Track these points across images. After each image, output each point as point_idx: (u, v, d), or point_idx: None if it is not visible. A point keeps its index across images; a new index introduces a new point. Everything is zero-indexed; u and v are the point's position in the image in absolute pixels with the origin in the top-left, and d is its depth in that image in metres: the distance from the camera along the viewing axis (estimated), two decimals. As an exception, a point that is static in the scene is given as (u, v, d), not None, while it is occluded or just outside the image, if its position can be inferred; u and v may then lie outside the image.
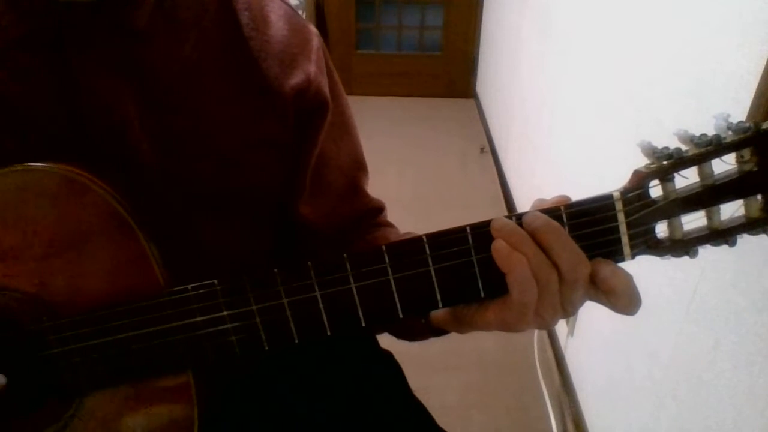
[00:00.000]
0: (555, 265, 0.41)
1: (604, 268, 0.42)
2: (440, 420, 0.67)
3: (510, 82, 2.68)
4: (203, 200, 0.55)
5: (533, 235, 0.41)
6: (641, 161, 0.43)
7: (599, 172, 1.40)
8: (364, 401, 0.66)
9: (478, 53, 3.75)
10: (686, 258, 0.43)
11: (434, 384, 1.60)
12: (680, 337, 0.96)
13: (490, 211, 2.52)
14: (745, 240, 0.42)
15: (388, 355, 0.73)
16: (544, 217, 0.41)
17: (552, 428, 1.50)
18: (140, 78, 0.51)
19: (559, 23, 1.89)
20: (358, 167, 0.69)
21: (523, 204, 2.30)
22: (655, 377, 1.05)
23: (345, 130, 0.66)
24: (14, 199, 0.45)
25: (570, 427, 1.49)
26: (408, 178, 2.82)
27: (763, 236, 0.42)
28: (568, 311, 0.43)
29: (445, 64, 3.84)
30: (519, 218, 0.42)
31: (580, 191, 0.45)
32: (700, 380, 0.90)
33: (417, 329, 0.55)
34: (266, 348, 0.45)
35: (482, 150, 3.11)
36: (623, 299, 0.41)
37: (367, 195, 0.70)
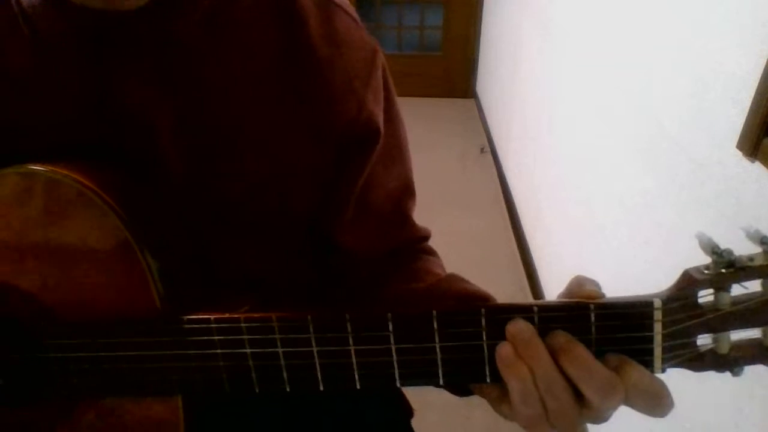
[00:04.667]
0: (581, 394, 0.38)
1: (632, 373, 0.37)
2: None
3: (510, 82, 2.68)
4: (228, 219, 0.53)
5: (554, 354, 0.38)
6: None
7: (599, 172, 1.40)
8: (357, 402, 0.66)
9: (478, 53, 3.75)
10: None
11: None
12: (680, 336, 0.96)
13: (490, 211, 2.53)
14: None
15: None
16: (566, 336, 0.38)
17: (552, 428, 1.50)
18: (179, 89, 0.49)
19: (559, 23, 1.89)
20: (406, 192, 0.64)
21: (523, 204, 2.30)
22: (655, 377, 1.05)
23: (397, 153, 0.62)
24: (20, 200, 0.45)
25: (570, 426, 1.48)
26: (408, 178, 2.81)
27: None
28: (601, 421, 0.40)
29: (445, 64, 3.84)
30: (542, 310, 0.38)
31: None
32: (700, 380, 0.90)
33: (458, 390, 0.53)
34: (257, 391, 0.44)
35: (482, 150, 3.11)
36: (652, 405, 0.39)
37: (413, 224, 0.66)
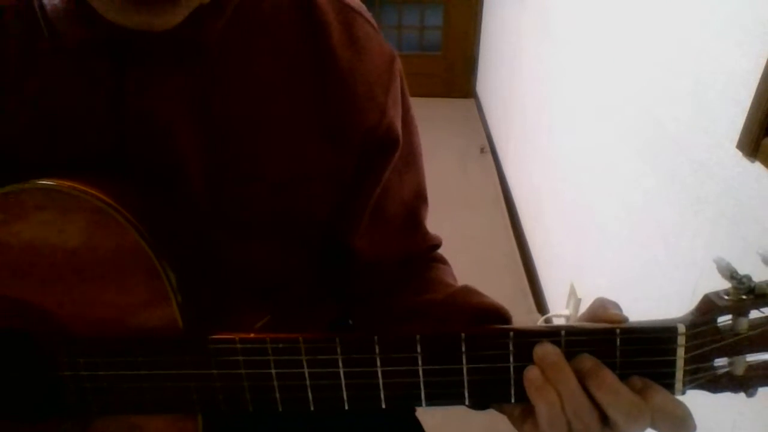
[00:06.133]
0: (607, 416, 0.38)
1: (657, 397, 0.38)
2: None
3: (510, 82, 2.68)
4: (244, 222, 0.53)
5: (581, 378, 0.38)
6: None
7: (599, 172, 1.40)
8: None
9: (478, 53, 3.75)
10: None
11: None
12: (680, 337, 0.96)
13: (490, 211, 2.52)
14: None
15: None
16: (593, 360, 0.38)
17: (552, 428, 1.50)
18: (199, 92, 0.49)
19: (558, 23, 1.89)
20: (419, 198, 0.64)
21: (523, 204, 2.30)
22: (655, 377, 1.04)
23: (411, 160, 0.62)
24: (38, 216, 0.44)
25: (570, 427, 1.48)
26: (408, 178, 2.81)
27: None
28: None
29: (445, 64, 3.84)
30: (569, 334, 0.39)
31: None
32: (700, 380, 0.89)
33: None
34: (280, 410, 0.44)
35: (482, 150, 3.11)
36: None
37: (426, 232, 0.66)
